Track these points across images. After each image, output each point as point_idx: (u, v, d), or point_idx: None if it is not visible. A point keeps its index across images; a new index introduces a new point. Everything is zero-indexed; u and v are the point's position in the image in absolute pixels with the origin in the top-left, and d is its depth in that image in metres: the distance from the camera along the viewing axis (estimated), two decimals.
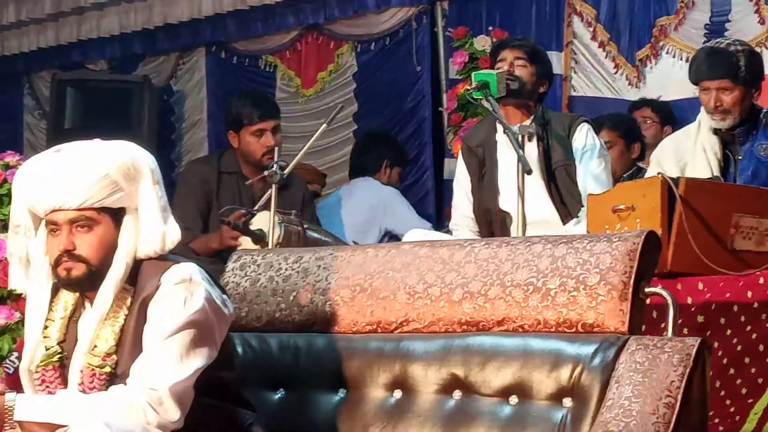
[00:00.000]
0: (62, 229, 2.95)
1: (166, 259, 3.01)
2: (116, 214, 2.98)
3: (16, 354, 5.03)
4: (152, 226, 2.98)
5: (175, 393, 2.84)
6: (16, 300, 5.38)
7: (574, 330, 2.99)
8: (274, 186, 4.74)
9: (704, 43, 5.78)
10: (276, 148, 5.22)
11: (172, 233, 3.00)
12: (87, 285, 2.98)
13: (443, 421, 3.01)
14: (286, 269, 3.44)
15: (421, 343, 3.15)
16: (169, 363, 2.86)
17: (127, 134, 8.04)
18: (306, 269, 3.41)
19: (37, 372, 3.01)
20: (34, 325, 3.03)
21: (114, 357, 2.93)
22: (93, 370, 2.92)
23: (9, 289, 5.36)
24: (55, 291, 3.05)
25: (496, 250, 3.16)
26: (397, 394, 3.13)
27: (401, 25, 7.75)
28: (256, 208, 5.06)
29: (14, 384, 4.96)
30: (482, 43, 7.20)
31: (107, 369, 2.92)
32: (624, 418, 2.72)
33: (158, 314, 2.91)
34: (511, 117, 4.86)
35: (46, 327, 3.02)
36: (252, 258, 3.54)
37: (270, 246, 4.66)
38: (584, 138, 4.89)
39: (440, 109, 7.53)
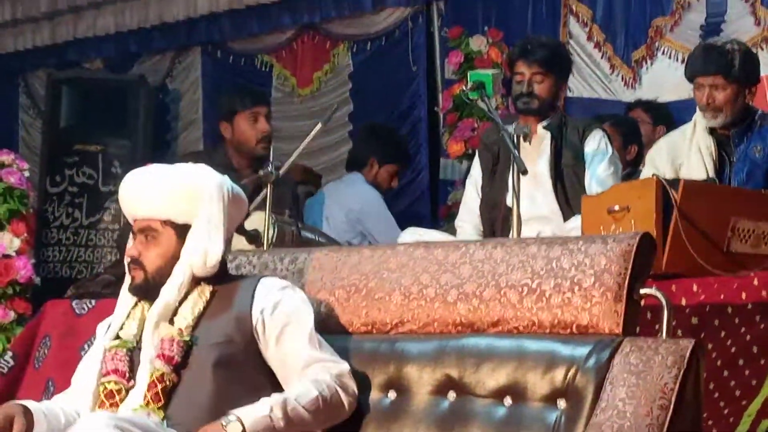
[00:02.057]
0: (136, 237, 3.21)
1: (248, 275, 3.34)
2: (180, 230, 3.19)
3: (10, 353, 5.03)
4: (199, 244, 3.17)
5: (351, 373, 3.12)
6: (11, 299, 5.39)
7: (568, 331, 2.99)
8: (269, 186, 4.74)
9: (700, 43, 5.78)
10: (270, 148, 5.22)
11: (213, 251, 3.18)
12: (145, 292, 3.20)
13: (438, 422, 3.02)
14: (281, 270, 3.44)
15: (415, 344, 3.15)
16: (328, 354, 3.13)
17: (123, 133, 8.08)
18: (301, 270, 3.41)
19: (109, 351, 3.18)
20: (116, 322, 3.25)
21: (190, 332, 3.12)
22: (172, 337, 3.10)
23: (3, 288, 5.37)
24: (138, 300, 3.27)
25: (491, 251, 3.16)
26: (392, 395, 3.14)
27: (397, 25, 7.73)
28: (251, 207, 5.06)
29: (9, 384, 4.96)
30: (478, 43, 7.19)
31: (186, 338, 3.10)
32: (618, 420, 2.72)
33: (287, 318, 3.14)
34: (531, 122, 4.97)
35: (122, 328, 3.22)
36: (247, 259, 3.53)
37: (264, 246, 4.66)
38: (597, 143, 4.97)
39: (436, 109, 7.52)
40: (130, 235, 3.32)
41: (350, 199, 6.34)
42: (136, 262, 3.19)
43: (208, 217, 3.18)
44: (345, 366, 3.13)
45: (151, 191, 3.19)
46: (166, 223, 3.18)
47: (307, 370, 3.11)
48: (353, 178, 6.51)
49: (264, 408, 2.98)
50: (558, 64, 5.05)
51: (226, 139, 5.68)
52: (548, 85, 4.97)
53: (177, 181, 3.20)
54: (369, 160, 6.49)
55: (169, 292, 3.16)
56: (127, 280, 3.27)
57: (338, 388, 3.09)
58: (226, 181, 3.27)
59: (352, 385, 3.12)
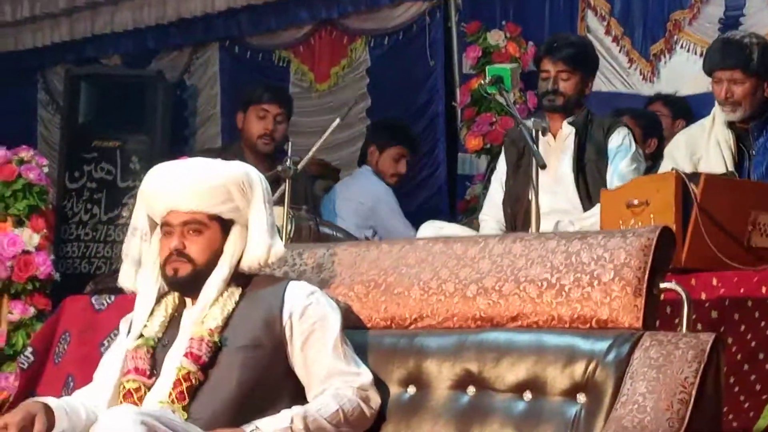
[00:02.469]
0: (175, 230, 3.16)
1: (275, 276, 3.32)
2: (225, 224, 3.20)
3: (30, 349, 5.05)
4: (260, 239, 3.19)
5: (373, 383, 3.12)
6: (30, 295, 5.40)
7: (588, 326, 2.99)
8: (287, 181, 4.74)
9: (718, 37, 5.76)
10: (288, 143, 5.23)
11: (276, 247, 3.22)
12: (190, 285, 3.18)
13: (457, 416, 3.02)
14: (300, 265, 3.45)
15: (435, 339, 3.15)
16: (352, 365, 3.13)
17: (141, 129, 8.09)
18: (320, 265, 3.42)
19: (131, 350, 3.18)
20: (138, 321, 3.23)
21: (219, 333, 3.12)
22: (202, 337, 3.10)
23: (23, 284, 5.39)
24: (158, 297, 3.26)
25: (511, 245, 3.16)
26: (411, 389, 3.14)
27: (414, 19, 7.73)
28: None
29: (29, 379, 4.98)
30: (496, 37, 7.17)
31: (215, 339, 3.10)
32: (638, 414, 2.72)
33: (312, 325, 3.13)
34: (556, 119, 5.03)
35: (145, 326, 3.21)
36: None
37: (283, 241, 4.66)
38: (620, 140, 5.02)
39: (453, 104, 7.51)
40: (135, 229, 3.30)
41: (357, 192, 6.36)
42: (182, 254, 3.15)
43: (266, 214, 3.20)
44: (366, 378, 3.12)
45: (202, 185, 3.16)
46: (214, 217, 3.18)
47: (328, 381, 3.11)
48: (361, 171, 6.54)
49: (285, 420, 3.00)
50: (583, 62, 5.09)
51: (240, 132, 5.80)
52: (574, 82, 5.02)
53: (230, 178, 3.19)
54: (369, 149, 6.50)
55: (215, 286, 3.16)
56: (153, 279, 3.25)
57: (360, 401, 3.09)
58: (262, 176, 3.29)
59: (375, 397, 3.12)
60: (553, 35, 5.55)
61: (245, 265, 3.20)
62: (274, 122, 5.80)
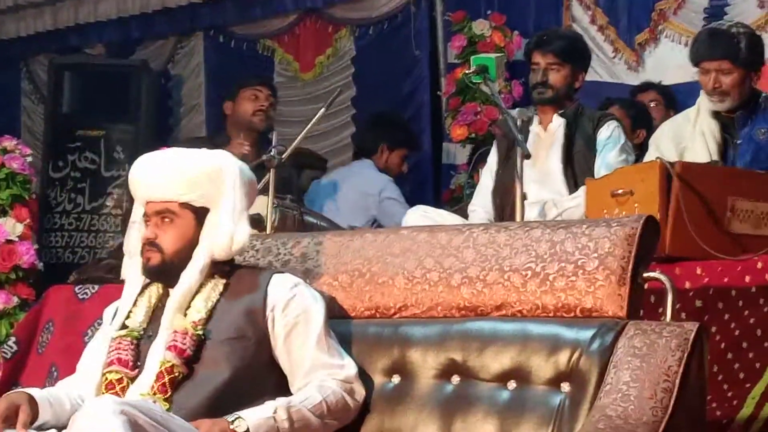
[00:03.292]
0: (150, 220, 3.18)
1: (259, 267, 3.34)
2: (198, 213, 3.17)
3: (13, 339, 5.03)
4: (224, 227, 3.16)
5: (358, 376, 3.12)
6: (14, 285, 5.39)
7: (572, 315, 2.99)
8: (272, 170, 4.74)
9: (703, 27, 5.76)
10: (273, 133, 5.24)
11: (239, 235, 3.18)
12: (162, 275, 3.19)
13: (442, 406, 3.02)
14: (284, 254, 3.44)
15: (419, 329, 3.15)
16: (336, 357, 3.12)
17: (125, 118, 8.08)
18: (304, 254, 3.41)
19: (114, 341, 3.17)
20: (122, 310, 3.23)
21: (203, 326, 3.11)
22: (186, 330, 3.09)
23: (6, 273, 5.38)
24: (143, 287, 3.26)
25: (495, 235, 3.16)
26: (396, 379, 3.14)
27: (400, 9, 7.72)
28: None
29: (12, 369, 4.96)
30: (481, 27, 7.17)
31: (199, 332, 3.09)
32: (622, 403, 2.72)
33: (296, 318, 3.12)
34: (547, 111, 5.05)
35: (128, 316, 3.20)
36: (250, 243, 3.52)
37: (267, 230, 4.66)
38: (610, 132, 5.02)
39: (439, 93, 7.51)
40: (133, 222, 3.31)
41: (363, 184, 6.35)
42: (152, 244, 3.15)
43: (233, 201, 3.17)
44: (351, 370, 3.12)
45: (171, 173, 3.16)
46: (185, 205, 3.16)
47: (312, 374, 3.11)
48: (364, 164, 6.53)
49: (268, 410, 3.00)
50: (573, 55, 5.09)
51: (227, 121, 5.83)
52: (563, 74, 5.02)
53: (199, 165, 3.18)
54: (379, 147, 6.52)
55: (191, 276, 3.15)
56: (130, 264, 3.27)
57: (344, 394, 3.09)
58: (244, 166, 3.27)
59: (359, 389, 3.12)
60: (544, 30, 5.57)
61: (215, 254, 3.18)
62: (267, 102, 5.92)
